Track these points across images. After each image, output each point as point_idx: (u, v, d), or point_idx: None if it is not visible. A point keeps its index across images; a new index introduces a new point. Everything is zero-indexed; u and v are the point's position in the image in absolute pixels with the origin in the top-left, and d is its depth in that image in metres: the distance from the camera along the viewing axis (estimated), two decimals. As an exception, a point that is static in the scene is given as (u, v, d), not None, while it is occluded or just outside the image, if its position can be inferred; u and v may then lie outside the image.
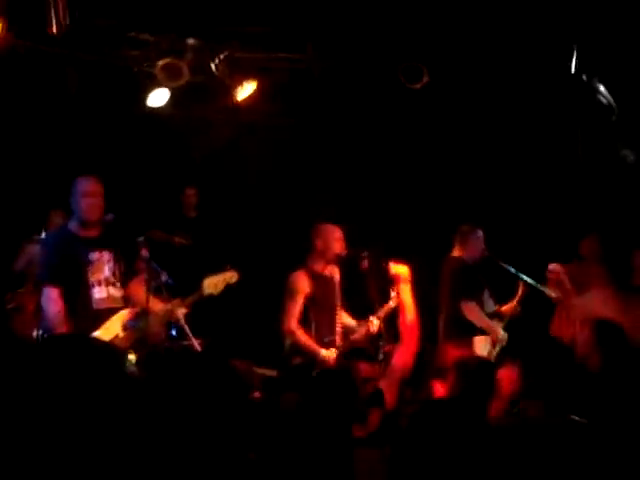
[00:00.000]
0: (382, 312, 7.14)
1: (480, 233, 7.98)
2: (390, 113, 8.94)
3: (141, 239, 7.82)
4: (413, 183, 9.47)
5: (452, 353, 7.32)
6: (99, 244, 6.35)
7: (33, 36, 7.50)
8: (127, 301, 6.44)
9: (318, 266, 7.15)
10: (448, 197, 9.22)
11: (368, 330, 7.09)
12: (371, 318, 7.09)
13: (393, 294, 7.24)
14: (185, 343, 7.79)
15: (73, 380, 2.79)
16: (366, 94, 8.59)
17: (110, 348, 3.20)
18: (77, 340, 3.16)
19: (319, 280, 7.11)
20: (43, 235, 8.65)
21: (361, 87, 8.50)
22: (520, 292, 8.04)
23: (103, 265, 6.34)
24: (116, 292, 6.39)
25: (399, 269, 7.23)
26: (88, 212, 6.28)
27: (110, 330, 6.22)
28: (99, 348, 3.01)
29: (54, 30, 7.16)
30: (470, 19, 7.54)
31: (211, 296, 6.67)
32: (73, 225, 6.37)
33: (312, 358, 6.95)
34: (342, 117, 9.05)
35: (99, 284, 6.31)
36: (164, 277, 8.08)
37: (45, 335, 6.22)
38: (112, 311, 6.30)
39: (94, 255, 6.31)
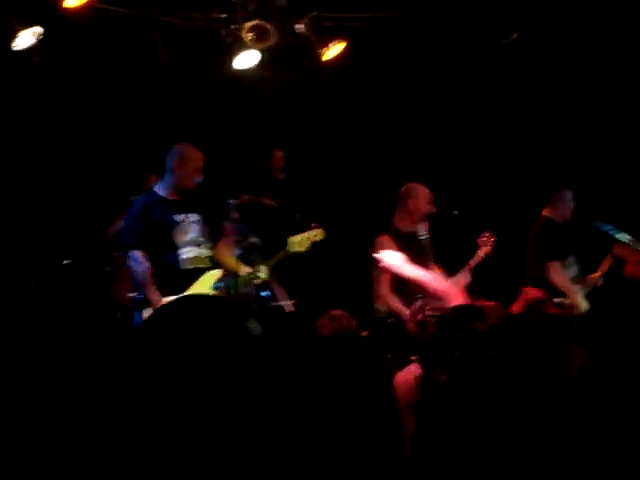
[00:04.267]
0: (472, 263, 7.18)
1: (570, 194, 7.90)
2: (478, 68, 8.81)
3: (231, 202, 7.92)
4: (504, 140, 9.33)
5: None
6: (186, 206, 6.40)
7: (121, 2, 7.57)
8: (215, 262, 6.47)
9: (406, 226, 7.11)
10: (542, 155, 9.08)
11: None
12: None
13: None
14: (275, 304, 7.89)
15: (200, 339, 2.82)
16: (457, 49, 8.47)
17: (233, 305, 3.23)
18: (197, 300, 3.20)
19: (407, 240, 7.04)
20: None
21: (448, 44, 8.39)
22: (607, 263, 7.91)
23: (189, 227, 6.39)
24: (203, 253, 6.43)
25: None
26: (191, 178, 6.33)
27: (199, 290, 6.27)
28: (222, 306, 3.05)
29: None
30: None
31: (297, 254, 6.67)
32: (161, 188, 6.42)
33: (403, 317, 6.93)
34: (430, 73, 8.94)
35: (186, 245, 6.36)
36: (254, 239, 8.19)
37: (138, 296, 6.29)
38: (199, 271, 6.35)
39: (180, 217, 6.36)
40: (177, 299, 3.40)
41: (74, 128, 8.84)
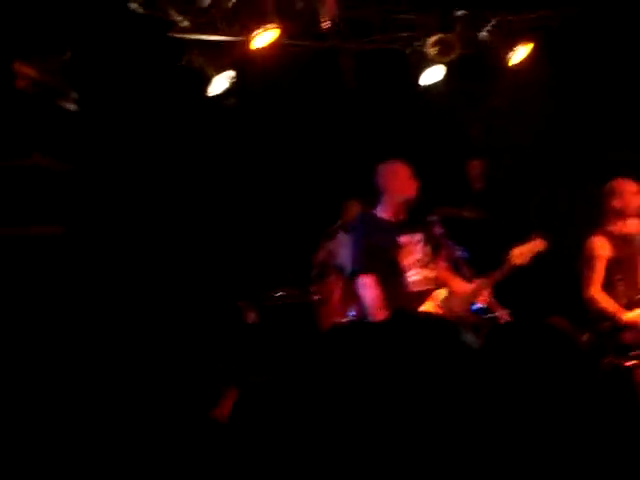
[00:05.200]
0: None
1: None
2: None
3: (433, 217, 7.92)
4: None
5: None
6: (408, 227, 6.39)
7: (306, 34, 7.74)
8: (438, 281, 6.44)
9: (615, 226, 6.87)
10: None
11: None
12: None
13: None
14: (491, 315, 7.79)
15: (419, 353, 2.86)
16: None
17: (447, 321, 3.26)
18: (419, 317, 3.25)
19: (618, 240, 6.83)
20: (339, 224, 8.97)
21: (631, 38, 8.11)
22: None
23: (414, 247, 6.36)
24: (429, 273, 6.39)
25: None
26: (407, 189, 6.35)
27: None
28: (437, 322, 3.08)
29: (326, 25, 7.35)
30: None
31: (520, 267, 6.53)
32: (379, 210, 6.43)
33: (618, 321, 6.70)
34: (613, 69, 8.65)
35: (412, 267, 6.32)
36: (459, 252, 8.14)
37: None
38: (427, 293, 6.32)
39: (404, 238, 6.34)
40: (396, 316, 3.44)
41: (271, 163, 9.07)
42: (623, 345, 6.59)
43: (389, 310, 6.07)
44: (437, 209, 8.38)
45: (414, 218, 6.44)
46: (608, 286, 6.78)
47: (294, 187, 9.21)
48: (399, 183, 6.37)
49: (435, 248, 6.52)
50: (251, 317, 8.15)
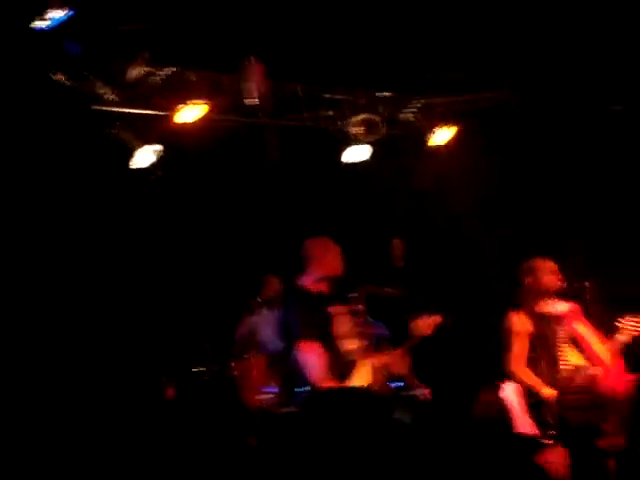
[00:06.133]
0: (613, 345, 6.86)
1: None
2: (595, 140, 8.71)
3: (354, 294, 7.95)
4: (623, 208, 9.14)
5: None
6: (336, 299, 6.45)
7: (233, 109, 7.78)
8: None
9: (534, 303, 6.94)
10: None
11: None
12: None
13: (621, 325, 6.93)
14: (411, 393, 7.81)
15: (347, 429, 2.84)
16: (569, 123, 8.41)
17: (380, 397, 3.25)
18: (350, 392, 3.23)
19: (537, 318, 6.89)
20: (260, 299, 8.94)
21: (562, 116, 8.33)
22: None
23: (344, 318, 6.41)
24: (356, 344, 6.43)
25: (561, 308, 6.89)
26: (339, 268, 6.40)
27: (357, 382, 6.28)
28: (371, 398, 3.07)
29: (254, 101, 7.40)
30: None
31: (423, 338, 6.62)
32: (306, 283, 6.44)
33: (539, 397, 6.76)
34: (545, 148, 8.87)
35: (343, 337, 6.36)
36: (381, 329, 8.17)
37: (305, 390, 6.28)
38: (355, 364, 6.36)
39: (334, 309, 6.40)
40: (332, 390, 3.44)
41: (195, 233, 9.03)
42: (544, 421, 6.64)
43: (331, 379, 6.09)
44: (359, 286, 8.45)
45: (338, 293, 6.48)
46: (531, 362, 6.83)
47: (215, 261, 9.18)
48: (329, 259, 6.43)
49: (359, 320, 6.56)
50: (170, 393, 8.04)
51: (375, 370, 6.44)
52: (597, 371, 6.70)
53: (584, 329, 6.78)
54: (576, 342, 6.83)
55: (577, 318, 6.81)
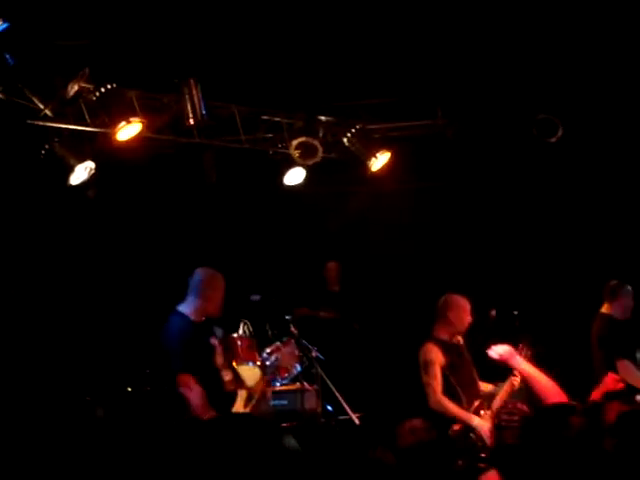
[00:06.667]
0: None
1: (629, 288, 7.74)
2: (527, 169, 8.85)
3: (288, 317, 7.98)
4: (551, 240, 9.29)
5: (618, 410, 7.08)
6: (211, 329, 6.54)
7: (171, 129, 7.77)
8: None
9: (446, 335, 7.03)
10: (591, 253, 9.00)
11: (513, 386, 6.91)
12: (513, 375, 6.92)
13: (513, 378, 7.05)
14: (341, 418, 7.83)
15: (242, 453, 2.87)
16: (501, 152, 8.54)
17: (271, 425, 3.28)
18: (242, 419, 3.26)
19: (449, 349, 6.99)
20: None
21: (495, 145, 8.45)
22: None
23: (219, 350, 6.50)
24: (230, 376, 6.55)
25: (499, 351, 7.00)
26: (220, 308, 6.48)
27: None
28: (262, 425, 3.09)
29: (191, 122, 7.41)
30: (604, 71, 7.44)
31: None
32: (188, 312, 6.39)
33: (468, 424, 6.81)
34: (480, 177, 9.00)
35: (224, 367, 6.45)
36: (314, 353, 8.19)
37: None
38: (236, 392, 6.45)
39: (213, 340, 6.47)
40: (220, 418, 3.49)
41: (128, 254, 8.97)
42: (473, 447, 6.69)
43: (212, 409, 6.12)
44: (295, 309, 8.48)
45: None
46: (449, 392, 6.89)
47: (150, 279, 9.12)
48: (216, 297, 6.45)
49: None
50: (99, 412, 7.95)
51: (257, 400, 6.56)
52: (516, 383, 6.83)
53: (524, 363, 6.88)
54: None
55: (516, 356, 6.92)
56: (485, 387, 7.13)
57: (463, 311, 7.02)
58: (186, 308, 6.37)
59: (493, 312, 7.15)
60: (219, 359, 6.45)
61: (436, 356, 6.88)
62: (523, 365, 6.83)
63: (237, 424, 3.24)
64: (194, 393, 6.13)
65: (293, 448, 3.16)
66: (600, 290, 7.83)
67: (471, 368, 7.05)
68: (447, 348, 6.93)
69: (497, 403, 6.93)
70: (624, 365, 7.48)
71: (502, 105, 8.12)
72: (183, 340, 6.23)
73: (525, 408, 6.74)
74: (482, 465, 6.27)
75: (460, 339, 7.10)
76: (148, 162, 7.94)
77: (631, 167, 8.73)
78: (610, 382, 7.27)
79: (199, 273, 6.48)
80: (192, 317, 6.35)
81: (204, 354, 6.32)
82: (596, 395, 7.24)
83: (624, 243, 9.00)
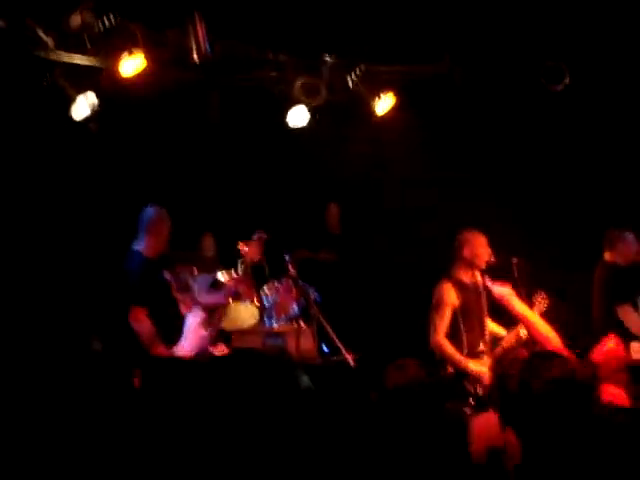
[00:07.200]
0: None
1: (631, 236, 7.73)
2: (533, 116, 8.79)
3: (288, 257, 8.00)
4: (554, 186, 9.25)
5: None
6: (167, 264, 6.77)
7: (175, 66, 7.71)
8: None
9: (464, 275, 7.02)
10: (594, 200, 8.97)
11: (518, 336, 6.95)
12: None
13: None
14: (337, 358, 7.88)
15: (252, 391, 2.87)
16: (508, 98, 8.47)
17: (286, 361, 3.29)
18: (253, 355, 3.26)
19: (466, 290, 6.99)
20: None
21: (502, 92, 8.39)
22: None
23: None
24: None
25: (498, 290, 7.01)
26: (166, 245, 6.80)
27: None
28: (275, 362, 3.10)
29: (195, 58, 7.35)
30: (612, 16, 7.36)
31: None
32: (144, 249, 6.69)
33: (463, 370, 6.85)
34: (484, 124, 8.93)
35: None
36: (312, 294, 8.22)
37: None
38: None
39: (167, 275, 6.67)
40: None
41: (130, 188, 8.94)
42: (465, 392, 6.73)
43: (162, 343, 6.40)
44: (295, 250, 8.50)
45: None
46: (453, 334, 6.91)
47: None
48: (164, 232, 6.77)
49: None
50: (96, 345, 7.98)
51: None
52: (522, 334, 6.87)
53: (522, 307, 6.90)
54: (512, 318, 6.97)
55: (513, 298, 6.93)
56: (499, 332, 7.14)
57: (478, 246, 6.98)
58: (139, 246, 6.68)
59: (515, 260, 7.11)
60: (176, 294, 6.64)
61: (448, 296, 6.90)
62: (519, 308, 6.86)
63: (251, 361, 3.25)
64: (143, 326, 6.39)
65: (307, 387, 3.18)
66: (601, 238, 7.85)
67: (483, 312, 7.04)
68: (463, 288, 6.94)
69: (499, 350, 6.98)
70: (625, 310, 7.49)
71: (510, 52, 8.05)
72: (139, 276, 6.52)
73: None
74: (469, 411, 6.31)
75: (479, 277, 7.06)
76: (152, 99, 7.89)
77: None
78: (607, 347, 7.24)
79: (146, 211, 6.79)
80: (146, 254, 6.65)
81: (160, 289, 6.59)
82: (598, 356, 7.21)
83: (629, 191, 8.95)
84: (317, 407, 3.24)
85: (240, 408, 3.01)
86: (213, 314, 7.10)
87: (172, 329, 6.49)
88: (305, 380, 3.26)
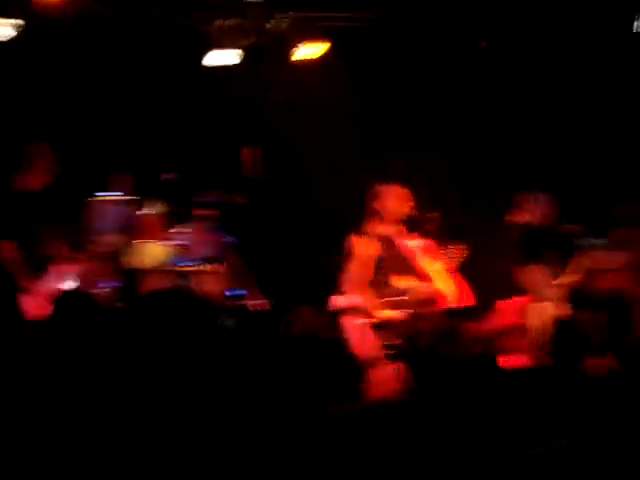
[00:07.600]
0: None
1: (541, 197, 7.78)
2: (455, 72, 8.88)
3: (202, 199, 7.98)
4: (475, 147, 9.35)
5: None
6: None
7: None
8: None
9: (377, 228, 7.04)
10: (513, 160, 9.11)
11: (424, 291, 7.02)
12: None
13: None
14: (250, 302, 7.91)
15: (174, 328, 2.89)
16: (431, 53, 8.54)
17: (207, 301, 3.32)
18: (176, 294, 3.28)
19: (376, 243, 7.01)
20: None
21: (426, 46, 8.46)
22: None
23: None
24: None
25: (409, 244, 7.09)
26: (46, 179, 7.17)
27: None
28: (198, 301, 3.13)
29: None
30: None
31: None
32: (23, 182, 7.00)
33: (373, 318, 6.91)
34: (410, 76, 8.97)
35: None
36: (226, 236, 8.21)
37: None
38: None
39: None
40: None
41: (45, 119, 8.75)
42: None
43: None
44: (209, 192, 8.45)
45: None
46: (361, 286, 6.94)
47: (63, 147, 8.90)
48: (43, 166, 7.02)
49: None
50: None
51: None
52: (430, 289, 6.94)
53: (426, 262, 6.97)
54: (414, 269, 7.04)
55: (427, 254, 7.00)
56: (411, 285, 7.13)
57: (392, 199, 6.98)
58: (22, 180, 6.98)
59: (431, 214, 7.16)
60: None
61: (361, 248, 6.91)
62: (421, 263, 6.93)
63: (174, 300, 3.25)
64: (11, 259, 6.54)
65: (230, 327, 3.21)
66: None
67: (394, 265, 7.02)
68: (373, 241, 6.93)
69: (405, 304, 7.04)
70: (531, 271, 7.52)
71: (439, 7, 8.11)
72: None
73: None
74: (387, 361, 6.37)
75: (399, 233, 7.02)
76: (74, 27, 7.70)
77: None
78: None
79: (30, 148, 7.08)
80: (22, 187, 6.93)
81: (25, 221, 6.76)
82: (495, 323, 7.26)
83: (543, 150, 9.11)
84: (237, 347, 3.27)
85: (164, 345, 3.01)
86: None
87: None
88: (228, 321, 3.30)
